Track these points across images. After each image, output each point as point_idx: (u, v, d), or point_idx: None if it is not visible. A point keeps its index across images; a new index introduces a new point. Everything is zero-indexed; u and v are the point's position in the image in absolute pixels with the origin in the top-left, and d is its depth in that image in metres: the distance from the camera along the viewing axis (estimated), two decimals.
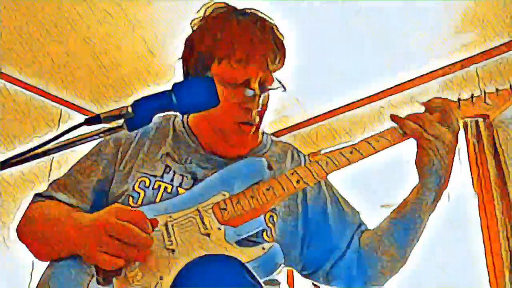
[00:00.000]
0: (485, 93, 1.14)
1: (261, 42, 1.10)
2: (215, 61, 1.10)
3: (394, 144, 1.10)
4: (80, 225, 0.96)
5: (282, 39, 1.17)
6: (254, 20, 1.13)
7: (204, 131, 1.20)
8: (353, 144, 1.09)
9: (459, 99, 1.14)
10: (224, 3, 1.18)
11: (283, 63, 1.17)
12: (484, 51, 2.81)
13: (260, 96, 1.10)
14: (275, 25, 1.17)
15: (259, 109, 1.12)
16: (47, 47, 3.02)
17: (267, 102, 1.15)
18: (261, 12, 1.17)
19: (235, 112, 1.10)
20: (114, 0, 2.65)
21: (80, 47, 3.03)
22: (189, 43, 1.17)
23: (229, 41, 1.08)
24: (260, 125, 1.16)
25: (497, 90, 1.14)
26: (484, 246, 2.49)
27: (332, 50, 2.97)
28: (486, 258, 2.47)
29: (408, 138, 1.10)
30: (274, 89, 1.14)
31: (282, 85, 1.15)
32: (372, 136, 1.11)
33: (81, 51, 3.06)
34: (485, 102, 1.13)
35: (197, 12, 1.18)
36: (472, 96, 1.14)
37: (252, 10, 1.17)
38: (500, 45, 2.75)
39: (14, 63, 3.18)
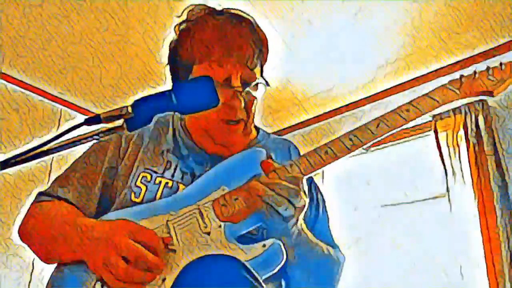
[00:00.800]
0: (488, 68, 1.10)
1: (238, 40, 1.11)
2: (196, 63, 1.12)
3: (394, 129, 1.05)
4: (90, 236, 0.95)
5: (262, 34, 1.18)
6: (230, 19, 1.14)
7: (196, 130, 1.21)
8: (351, 130, 1.05)
9: (461, 76, 1.10)
10: (203, 4, 1.20)
11: (265, 59, 1.19)
12: (484, 51, 2.81)
13: (241, 93, 1.11)
14: (254, 22, 1.18)
15: (243, 105, 1.12)
16: (47, 47, 3.03)
17: (254, 98, 1.16)
18: (240, 11, 1.18)
19: (220, 110, 1.11)
20: (114, 0, 2.65)
21: (80, 47, 3.03)
22: (172, 47, 1.20)
23: (206, 42, 1.10)
24: (248, 121, 1.17)
25: (501, 64, 1.09)
26: (484, 246, 2.49)
27: (332, 49, 2.97)
28: (486, 258, 2.46)
29: (407, 123, 1.06)
30: (256, 84, 1.15)
31: (265, 80, 1.17)
32: (370, 121, 1.07)
33: (81, 51, 3.07)
34: (489, 78, 1.09)
35: (179, 16, 1.20)
36: (475, 72, 1.09)
37: (230, 10, 1.18)
38: (500, 45, 2.76)
39: (14, 63, 3.18)
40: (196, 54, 1.11)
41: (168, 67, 1.22)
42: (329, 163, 1.02)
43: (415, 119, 1.06)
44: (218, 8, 1.19)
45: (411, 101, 1.09)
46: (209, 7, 1.18)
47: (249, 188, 1.00)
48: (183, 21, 1.18)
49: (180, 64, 1.16)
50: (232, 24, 1.13)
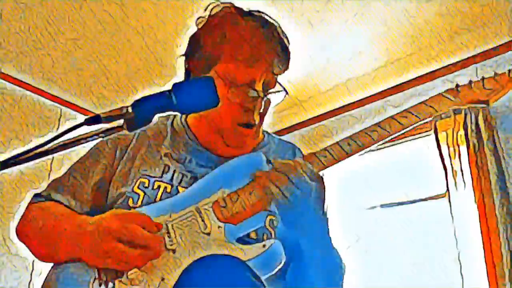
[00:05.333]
0: (483, 78, 1.13)
1: (268, 44, 1.11)
2: (221, 59, 1.10)
3: (393, 135, 1.08)
4: (84, 231, 0.96)
5: (287, 43, 1.17)
6: (262, 22, 1.14)
7: (203, 131, 1.20)
8: (351, 135, 1.07)
9: (457, 85, 1.13)
10: (230, 3, 1.19)
11: (287, 67, 1.18)
12: (484, 51, 2.81)
13: (263, 98, 1.11)
14: (281, 28, 1.17)
15: (261, 111, 1.12)
16: (47, 47, 3.03)
17: (268, 105, 1.16)
18: (267, 15, 1.17)
19: (236, 112, 1.10)
20: (114, 1, 2.65)
21: (80, 47, 3.03)
22: (195, 40, 1.17)
23: (237, 42, 1.09)
24: (260, 128, 1.16)
25: (495, 74, 1.12)
26: (484, 246, 2.49)
27: (332, 50, 2.98)
28: (486, 258, 2.46)
29: (405, 129, 1.09)
30: (276, 92, 1.15)
31: (285, 89, 1.16)
32: (369, 127, 1.09)
33: (81, 51, 3.07)
34: (484, 87, 1.12)
35: (204, 10, 1.18)
36: (470, 82, 1.13)
37: (259, 13, 1.17)
38: (500, 45, 2.76)
39: (14, 63, 3.18)
40: (223, 51, 1.10)
41: (183, 59, 1.19)
42: (328, 166, 1.05)
43: (412, 125, 1.10)
44: (245, 8, 1.18)
45: (408, 108, 1.12)
46: (237, 7, 1.17)
47: (257, 178, 1.01)
48: (209, 16, 1.16)
49: (202, 58, 1.14)
50: (264, 28, 1.12)
